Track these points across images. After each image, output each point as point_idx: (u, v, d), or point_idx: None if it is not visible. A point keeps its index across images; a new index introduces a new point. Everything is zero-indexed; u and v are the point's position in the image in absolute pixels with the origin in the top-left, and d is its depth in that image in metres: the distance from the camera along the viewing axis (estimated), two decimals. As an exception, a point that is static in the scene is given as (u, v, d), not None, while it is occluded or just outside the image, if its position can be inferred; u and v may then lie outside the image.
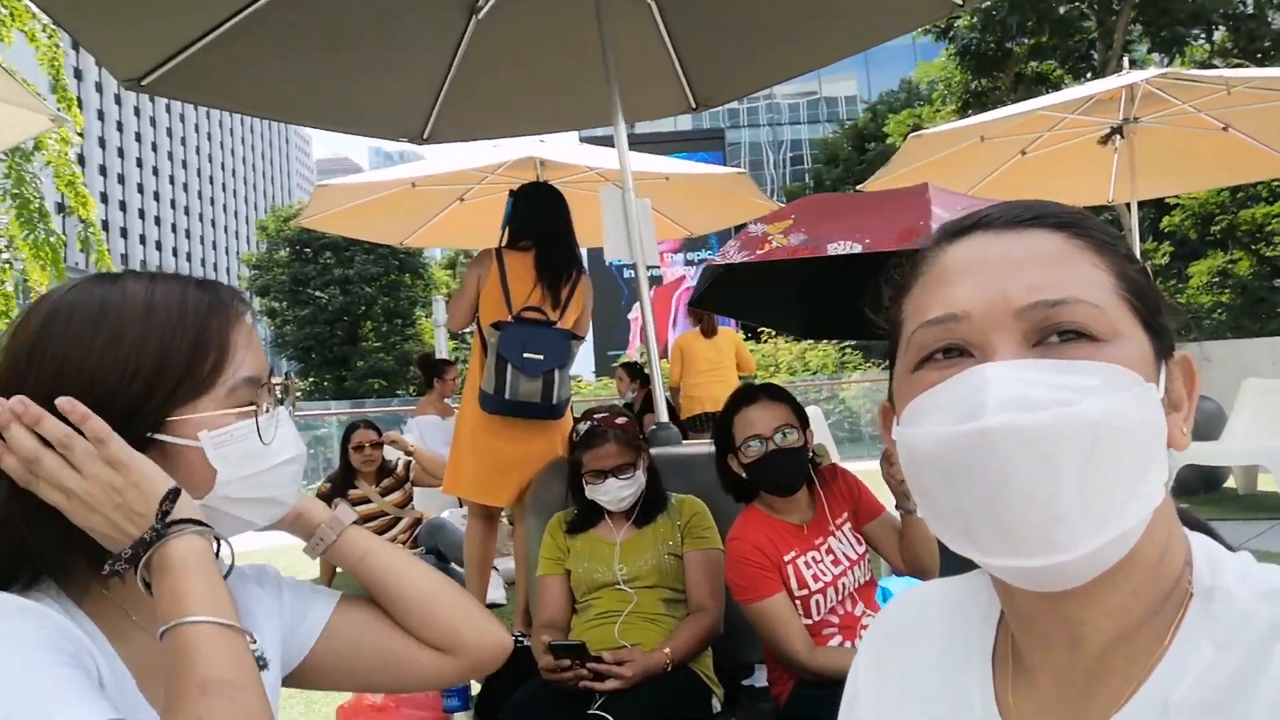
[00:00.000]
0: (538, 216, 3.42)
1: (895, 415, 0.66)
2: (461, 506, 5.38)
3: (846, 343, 19.67)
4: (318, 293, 32.38)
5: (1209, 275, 19.33)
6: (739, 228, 4.80)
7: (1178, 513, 0.63)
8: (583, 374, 21.78)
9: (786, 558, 2.15)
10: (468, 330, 3.47)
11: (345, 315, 32.43)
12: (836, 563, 2.19)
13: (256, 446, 0.85)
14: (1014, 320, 0.58)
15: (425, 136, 4.49)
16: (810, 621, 2.14)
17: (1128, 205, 6.82)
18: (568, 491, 2.56)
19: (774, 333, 19.23)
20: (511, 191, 3.49)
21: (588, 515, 2.51)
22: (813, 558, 2.18)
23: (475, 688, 2.49)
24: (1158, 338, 0.61)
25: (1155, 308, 0.61)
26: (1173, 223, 19.55)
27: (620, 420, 2.50)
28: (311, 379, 33.58)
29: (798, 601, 2.14)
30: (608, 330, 23.54)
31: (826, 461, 2.45)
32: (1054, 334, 0.58)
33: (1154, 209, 19.12)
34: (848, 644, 2.13)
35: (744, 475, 2.20)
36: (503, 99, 4.39)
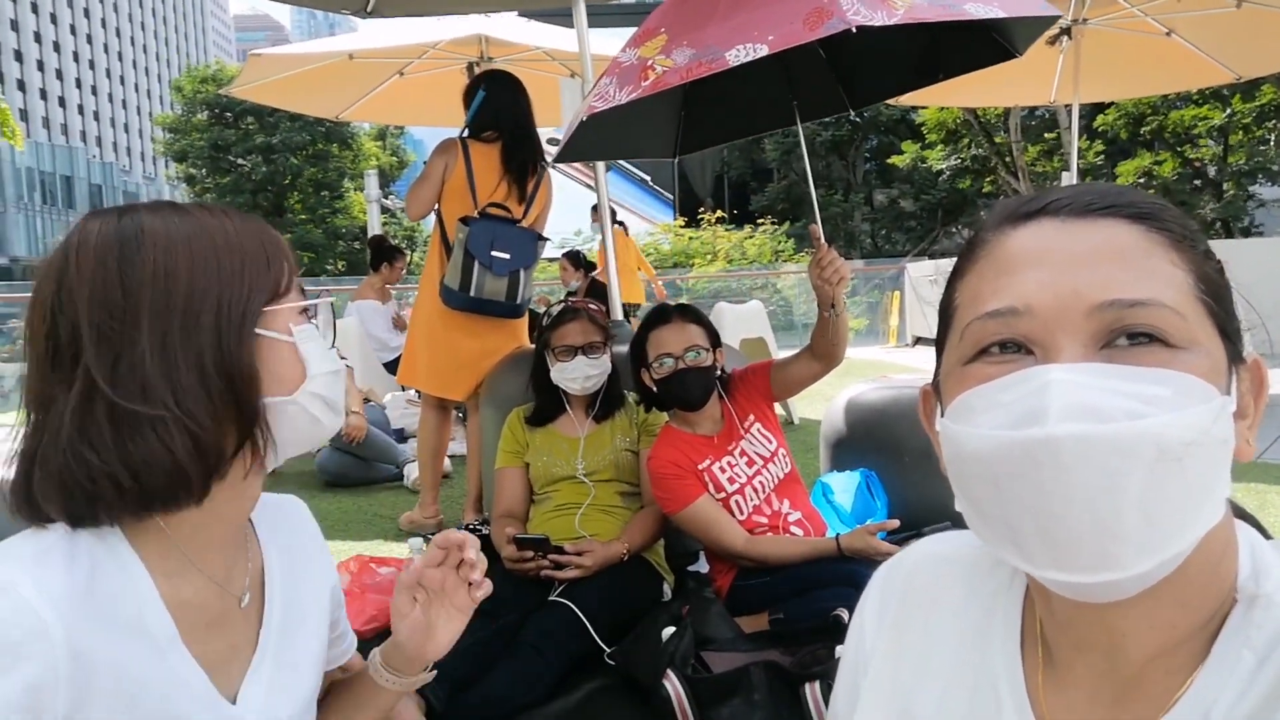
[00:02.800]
0: (506, 107, 3.32)
1: (940, 406, 0.63)
2: (405, 391, 5.41)
3: (779, 230, 19.80)
4: (240, 160, 30.87)
5: (1135, 176, 19.78)
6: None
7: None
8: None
9: (701, 465, 2.28)
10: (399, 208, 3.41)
11: (270, 185, 31.09)
12: (751, 463, 2.33)
13: (325, 347, 0.89)
14: (1084, 319, 0.54)
15: (369, 10, 4.29)
16: (738, 521, 2.28)
17: (1067, 107, 6.89)
18: (529, 385, 2.62)
19: (713, 220, 19.22)
20: (480, 80, 3.37)
21: (549, 408, 2.58)
22: (727, 462, 2.31)
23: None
24: (1231, 343, 0.57)
25: (1230, 310, 0.57)
26: (1106, 121, 19.82)
27: (592, 306, 2.59)
28: (235, 251, 32.42)
29: (720, 505, 2.28)
30: (556, 217, 23.15)
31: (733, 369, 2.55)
32: (1124, 337, 0.54)
33: (1089, 107, 19.35)
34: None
35: (655, 390, 2.32)
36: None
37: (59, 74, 68.86)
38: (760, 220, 20.28)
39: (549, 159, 3.19)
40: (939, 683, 0.68)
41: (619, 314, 3.28)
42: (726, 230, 19.04)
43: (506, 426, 2.62)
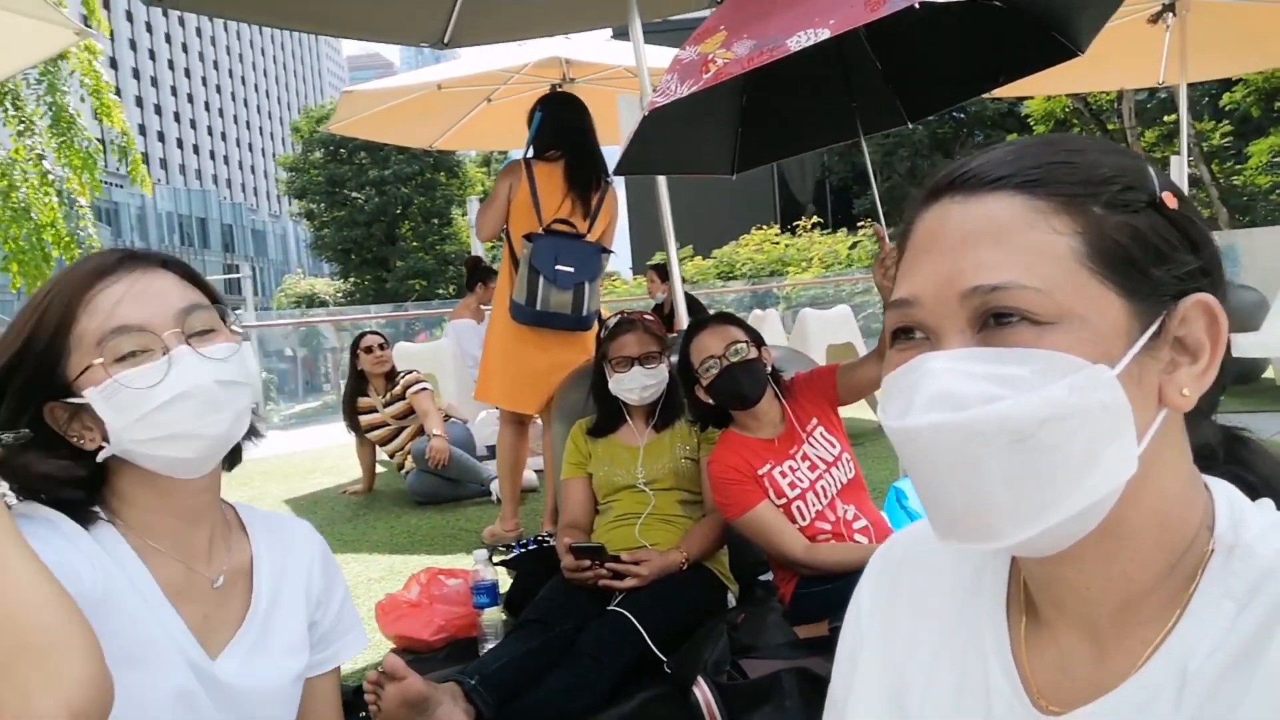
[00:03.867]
0: (565, 127, 3.40)
1: None
2: (494, 410, 5.54)
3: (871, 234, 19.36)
4: (354, 194, 32.35)
5: (1269, 155, 18.46)
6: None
7: (1231, 452, 0.63)
8: (620, 270, 21.72)
9: (761, 470, 2.24)
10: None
11: (382, 216, 32.45)
12: (813, 468, 2.28)
13: (141, 391, 0.92)
14: (959, 305, 0.57)
15: (446, 41, 4.44)
16: (799, 527, 2.23)
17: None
18: (588, 396, 2.65)
19: (808, 226, 18.96)
20: (537, 103, 3.47)
21: (609, 419, 2.60)
22: (788, 467, 2.26)
23: (505, 585, 2.65)
24: (1150, 294, 0.56)
25: (1150, 258, 0.56)
26: (1234, 100, 18.58)
27: (648, 316, 2.61)
28: (352, 280, 33.91)
29: (780, 510, 2.23)
30: (647, 229, 23.35)
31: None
32: (993, 318, 0.56)
33: (1216, 84, 18.18)
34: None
35: (711, 400, 2.30)
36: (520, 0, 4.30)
37: (192, 123, 73.84)
38: (861, 225, 19.91)
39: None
40: (928, 652, 0.69)
41: (684, 324, 3.28)
42: (823, 236, 18.75)
43: (570, 438, 2.65)
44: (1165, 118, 19.63)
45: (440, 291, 31.77)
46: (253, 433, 1.07)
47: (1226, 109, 18.93)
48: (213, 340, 0.98)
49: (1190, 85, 6.46)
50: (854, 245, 18.52)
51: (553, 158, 3.35)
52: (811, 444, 2.32)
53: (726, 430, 2.36)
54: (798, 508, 2.25)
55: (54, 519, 0.94)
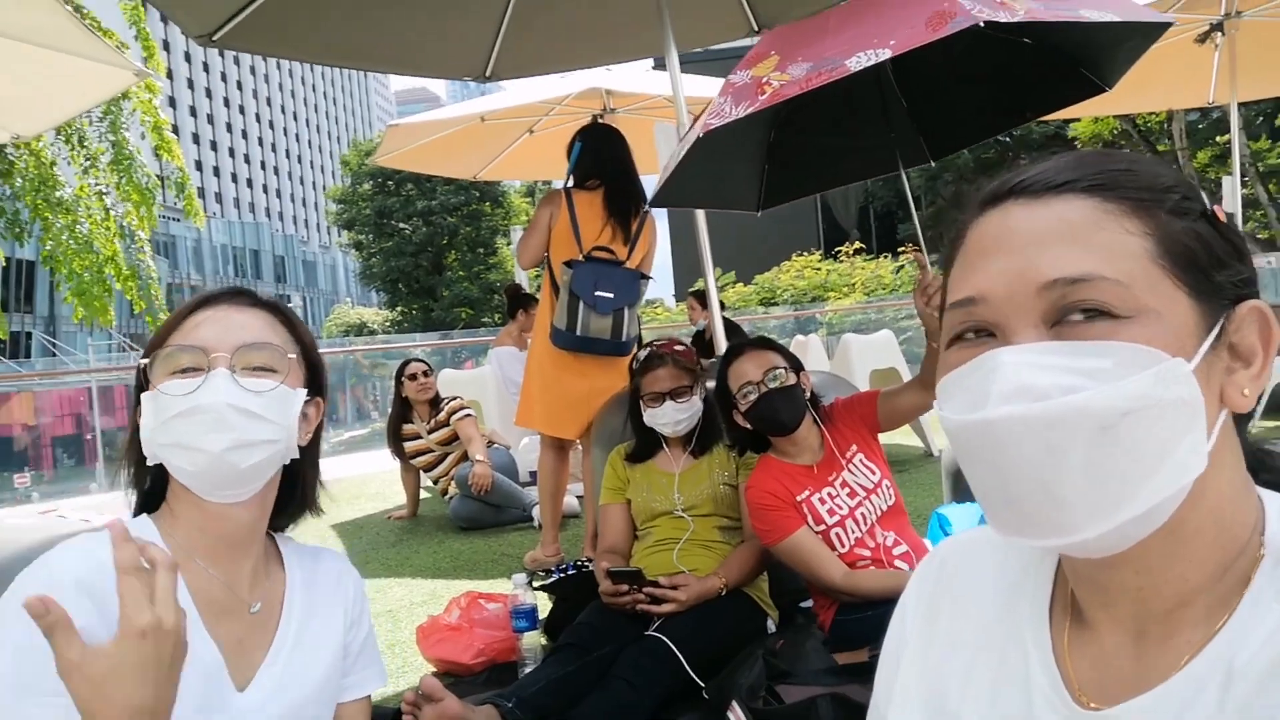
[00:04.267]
0: (604, 157, 3.46)
1: None
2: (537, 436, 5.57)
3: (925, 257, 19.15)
4: (401, 224, 32.97)
5: (1328, 174, 17.97)
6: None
7: (1260, 462, 0.63)
8: (664, 298, 21.75)
9: (800, 497, 2.23)
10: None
11: (429, 246, 33.01)
12: (853, 495, 2.26)
13: (168, 399, 1.01)
14: (1034, 300, 0.58)
15: (488, 74, 4.53)
16: (839, 554, 2.21)
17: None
18: (626, 421, 2.66)
19: (850, 252, 18.85)
20: (577, 134, 3.53)
21: (647, 445, 2.61)
22: (827, 494, 2.25)
23: (544, 609, 2.65)
24: (1213, 296, 0.57)
25: (1212, 263, 0.58)
26: (1290, 118, 18.17)
27: (678, 347, 2.59)
28: (400, 309, 34.44)
29: (819, 537, 2.22)
30: (690, 256, 23.44)
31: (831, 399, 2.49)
32: (1074, 312, 0.57)
33: (1271, 104, 17.78)
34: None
35: (749, 426, 2.29)
36: (560, 32, 4.38)
37: (246, 158, 75.96)
38: (903, 250, 19.73)
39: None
40: (968, 651, 0.70)
41: (723, 348, 3.28)
42: (865, 261, 18.61)
43: (608, 464, 2.66)
44: (1218, 138, 19.23)
45: (485, 320, 32.13)
46: (307, 503, 1.18)
47: (1283, 128, 18.48)
48: (263, 376, 1.04)
49: (1244, 105, 6.35)
50: (898, 270, 18.36)
51: (593, 187, 3.40)
52: (851, 471, 2.30)
53: (765, 456, 2.35)
54: (836, 534, 2.23)
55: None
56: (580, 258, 3.30)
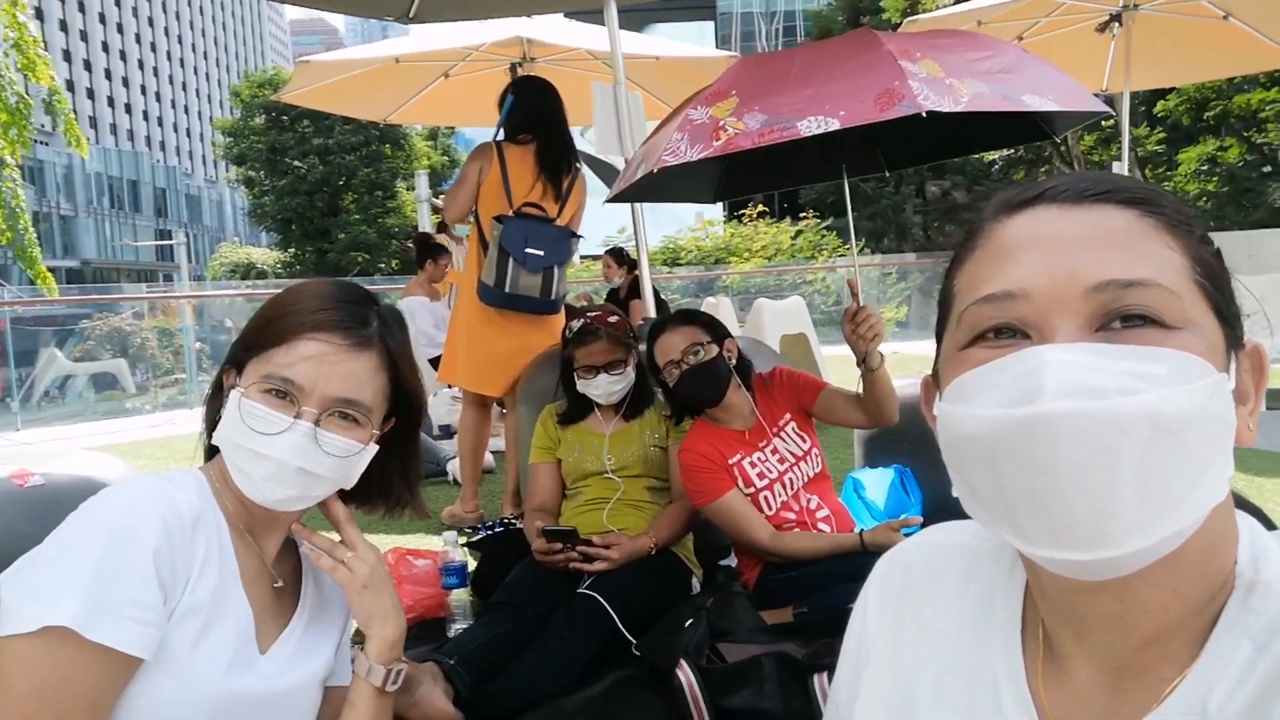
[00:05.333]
0: (539, 111, 3.41)
1: (939, 393, 0.63)
2: (450, 389, 5.51)
3: (824, 224, 19.64)
4: (296, 162, 31.57)
5: (1198, 163, 19.18)
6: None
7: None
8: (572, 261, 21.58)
9: (732, 460, 2.31)
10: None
11: (325, 186, 31.75)
12: (782, 460, 2.35)
13: (245, 428, 1.07)
14: (1080, 301, 0.56)
15: (411, 15, 4.37)
16: (766, 515, 2.30)
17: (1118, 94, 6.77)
18: (559, 384, 2.67)
19: (753, 216, 19.13)
20: (510, 86, 3.46)
21: (578, 408, 2.63)
22: (758, 458, 2.33)
23: (472, 566, 2.67)
24: (1230, 327, 0.57)
25: (1229, 294, 0.58)
26: (1166, 108, 19.24)
27: (612, 319, 2.59)
28: (293, 251, 33.15)
29: (748, 499, 2.30)
30: (604, 214, 23.27)
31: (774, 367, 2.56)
32: (1119, 318, 0.55)
33: (1149, 93, 18.78)
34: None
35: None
36: (489, -23, 4.26)
37: (125, 81, 71.03)
38: (804, 215, 20.13)
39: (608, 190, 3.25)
40: (936, 670, 0.68)
41: (653, 311, 3.32)
42: (768, 225, 18.92)
43: (539, 423, 2.68)
44: (1102, 123, 20.24)
45: (382, 266, 31.25)
46: (387, 499, 1.27)
47: (1160, 116, 19.58)
48: (345, 432, 1.09)
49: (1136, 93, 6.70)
50: (796, 235, 18.73)
51: (524, 141, 3.36)
52: (782, 439, 2.38)
53: (699, 419, 2.41)
54: (765, 497, 2.31)
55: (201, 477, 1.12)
56: (510, 213, 3.26)
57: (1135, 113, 19.78)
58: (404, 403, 1.19)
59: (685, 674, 1.61)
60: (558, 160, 3.35)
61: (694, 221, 19.89)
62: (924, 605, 0.71)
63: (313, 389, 1.07)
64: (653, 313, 3.38)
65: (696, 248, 18.39)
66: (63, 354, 10.74)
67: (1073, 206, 0.59)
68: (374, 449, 1.12)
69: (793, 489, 2.35)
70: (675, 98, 6.77)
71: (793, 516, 2.32)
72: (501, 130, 3.39)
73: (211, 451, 1.16)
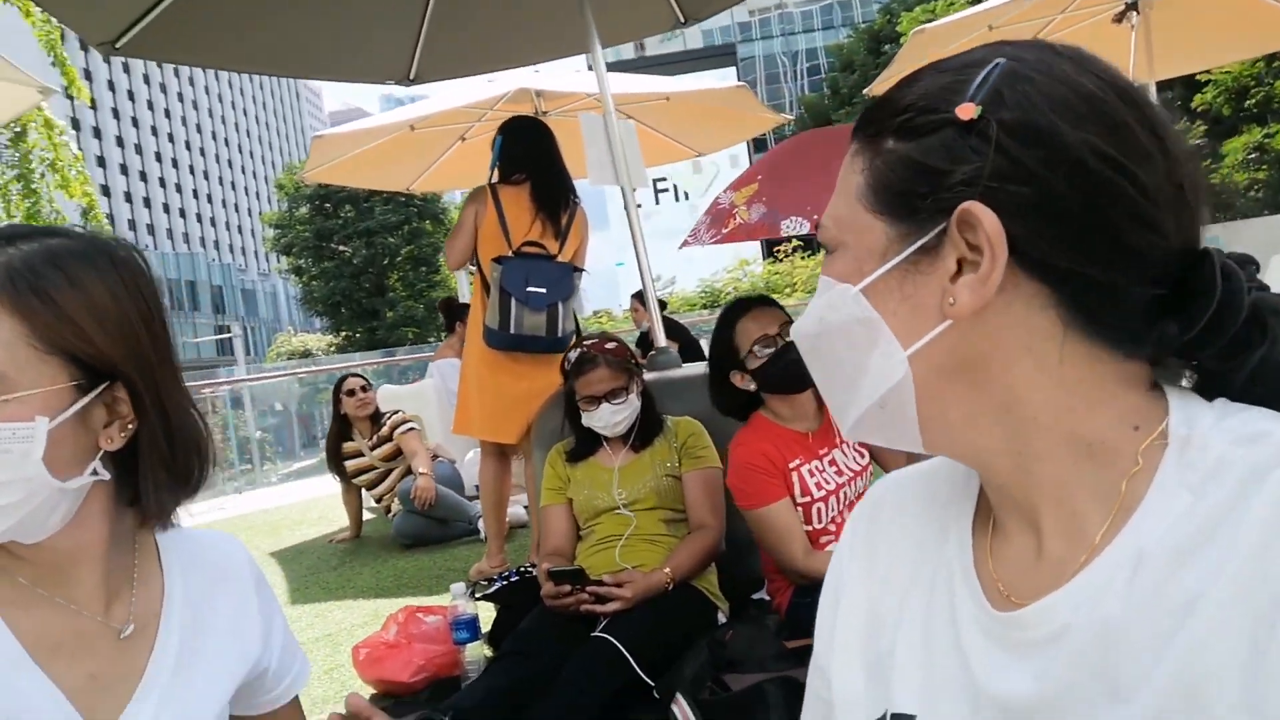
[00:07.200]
0: (528, 150, 3.38)
1: None
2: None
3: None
4: (341, 247, 32.44)
5: (1244, 152, 18.62)
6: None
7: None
8: (613, 308, 21.71)
9: (792, 464, 2.16)
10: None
11: (370, 267, 32.52)
12: (840, 473, 2.21)
13: None
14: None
15: (412, 77, 4.42)
16: (810, 529, 2.16)
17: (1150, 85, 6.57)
18: (563, 421, 2.57)
19: (788, 251, 19.00)
20: (500, 128, 3.44)
21: (586, 443, 2.52)
22: (816, 466, 2.19)
23: (489, 621, 2.55)
24: (912, 215, 0.57)
25: (922, 181, 0.57)
26: (1204, 100, 18.78)
27: (610, 345, 2.49)
28: (344, 334, 33.87)
29: (800, 508, 2.15)
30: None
31: None
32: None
33: (1185, 87, 18.38)
34: None
35: (752, 386, 2.20)
36: (483, 32, 4.29)
37: (178, 188, 74.16)
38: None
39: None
40: (902, 587, 0.70)
41: (662, 341, 3.22)
42: (804, 259, 18.77)
43: (547, 463, 2.57)
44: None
45: (431, 338, 31.75)
46: (148, 502, 0.89)
47: (1199, 110, 19.13)
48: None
49: (1161, 89, 6.49)
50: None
51: (518, 181, 3.31)
52: (842, 451, 2.25)
53: (756, 414, 2.26)
54: (818, 509, 2.17)
55: None
56: (510, 254, 3.20)
57: (1171, 109, 19.34)
58: (105, 359, 0.82)
59: (681, 709, 1.47)
60: (555, 197, 3.30)
61: (730, 262, 19.83)
62: (891, 532, 0.73)
63: None
64: (662, 341, 3.26)
65: (735, 288, 18.30)
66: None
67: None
68: (44, 424, 0.78)
69: (842, 504, 2.20)
70: (692, 136, 6.81)
71: (834, 530, 2.17)
72: (495, 173, 3.35)
73: None
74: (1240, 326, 0.55)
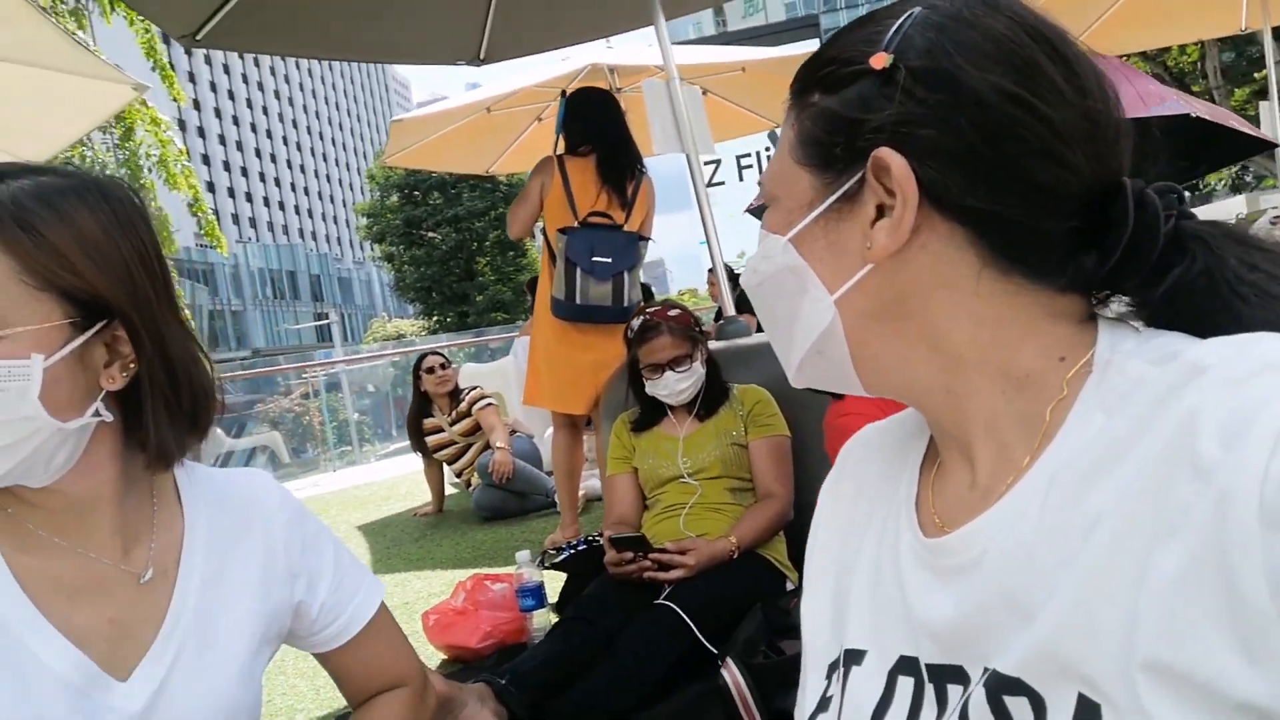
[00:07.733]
0: (593, 122, 3.35)
1: None
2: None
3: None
4: (430, 234, 33.15)
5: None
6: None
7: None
8: (699, 287, 21.51)
9: None
10: None
11: (459, 253, 33.12)
12: None
13: None
14: None
15: (481, 57, 4.44)
16: None
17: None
18: (628, 391, 2.55)
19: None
20: (562, 94, 3.43)
21: (650, 412, 2.49)
22: None
23: (556, 589, 2.56)
24: (832, 165, 0.59)
25: (841, 132, 0.58)
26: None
27: (673, 312, 2.45)
28: (436, 319, 34.66)
29: None
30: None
31: None
32: None
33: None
34: None
35: None
36: (549, 8, 4.28)
37: (276, 181, 77.00)
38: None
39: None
40: (860, 532, 0.71)
41: (730, 309, 3.16)
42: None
43: (613, 433, 2.56)
44: (1257, 74, 18.56)
45: (520, 321, 32.21)
46: (158, 445, 0.88)
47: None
48: None
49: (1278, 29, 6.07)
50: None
51: (584, 152, 3.30)
52: None
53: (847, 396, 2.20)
54: None
55: None
56: (575, 224, 3.19)
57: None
58: (99, 296, 0.80)
59: (731, 673, 1.43)
60: (620, 168, 3.27)
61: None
62: (857, 476, 0.75)
63: None
64: (731, 309, 3.21)
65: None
66: (222, 433, 11.50)
67: None
68: (39, 362, 0.76)
69: None
70: (769, 106, 6.67)
71: None
72: (560, 142, 3.34)
73: None
74: (1160, 254, 0.54)
